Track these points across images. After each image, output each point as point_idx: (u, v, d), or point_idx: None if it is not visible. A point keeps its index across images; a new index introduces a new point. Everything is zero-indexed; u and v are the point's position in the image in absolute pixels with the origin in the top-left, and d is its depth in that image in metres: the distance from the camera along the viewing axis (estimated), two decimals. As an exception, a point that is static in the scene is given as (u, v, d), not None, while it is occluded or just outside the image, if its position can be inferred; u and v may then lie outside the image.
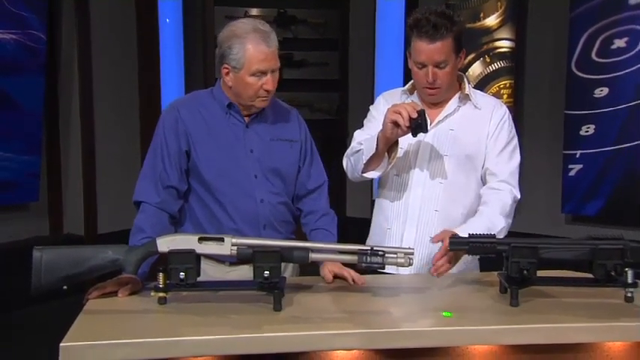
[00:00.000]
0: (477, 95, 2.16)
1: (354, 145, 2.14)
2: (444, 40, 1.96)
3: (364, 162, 2.04)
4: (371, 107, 2.24)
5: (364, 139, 2.10)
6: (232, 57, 1.91)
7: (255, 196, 2.00)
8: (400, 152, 2.07)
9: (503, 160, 2.08)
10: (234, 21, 1.99)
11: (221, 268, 2.02)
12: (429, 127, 2.03)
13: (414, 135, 1.95)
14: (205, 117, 2.01)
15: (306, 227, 2.10)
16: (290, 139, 2.06)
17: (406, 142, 2.08)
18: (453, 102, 2.11)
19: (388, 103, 2.13)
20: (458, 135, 2.09)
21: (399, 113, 1.90)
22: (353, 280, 1.89)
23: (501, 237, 1.92)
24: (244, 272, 1.93)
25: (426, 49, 1.98)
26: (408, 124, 1.90)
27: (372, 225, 2.24)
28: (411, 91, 2.17)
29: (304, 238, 2.08)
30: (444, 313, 1.64)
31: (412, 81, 2.13)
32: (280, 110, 2.09)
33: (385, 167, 2.05)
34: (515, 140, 2.13)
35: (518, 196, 2.08)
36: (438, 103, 2.12)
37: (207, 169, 1.98)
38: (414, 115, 1.90)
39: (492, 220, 1.97)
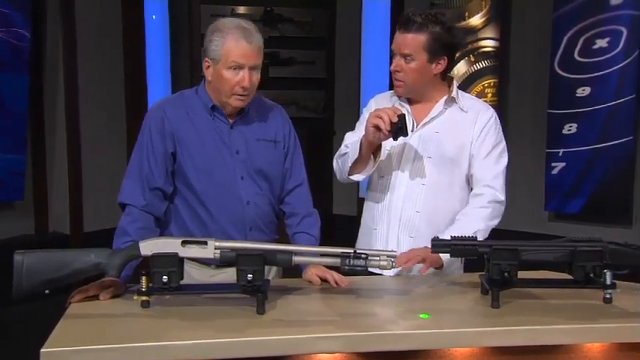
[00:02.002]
0: (465, 98, 2.17)
1: (342, 147, 2.16)
2: (416, 33, 2.01)
3: (349, 165, 2.07)
4: (364, 109, 2.25)
5: (351, 142, 2.12)
6: (212, 49, 1.92)
7: (242, 198, 2.00)
8: (385, 154, 2.09)
9: (489, 164, 2.09)
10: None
11: (206, 271, 2.02)
12: (415, 129, 2.07)
13: (395, 139, 1.98)
14: (192, 118, 2.00)
15: (289, 230, 2.11)
16: (274, 139, 2.06)
17: (391, 144, 2.10)
18: (440, 104, 2.13)
19: (379, 105, 2.15)
20: (442, 137, 2.10)
21: (381, 117, 1.93)
22: (336, 283, 1.90)
23: (481, 239, 1.94)
24: (230, 275, 1.92)
25: (398, 38, 2.05)
26: (389, 128, 1.92)
27: (361, 225, 2.27)
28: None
29: (287, 236, 2.09)
30: (421, 315, 1.66)
31: None
32: (264, 109, 2.08)
33: (370, 170, 2.08)
34: (503, 144, 2.14)
35: (502, 199, 2.10)
36: (426, 106, 2.13)
37: (193, 170, 1.98)
38: (395, 120, 1.92)
39: (467, 227, 1.96)
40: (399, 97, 2.17)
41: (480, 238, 1.92)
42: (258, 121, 2.05)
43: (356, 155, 2.04)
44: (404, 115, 1.95)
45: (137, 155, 2.00)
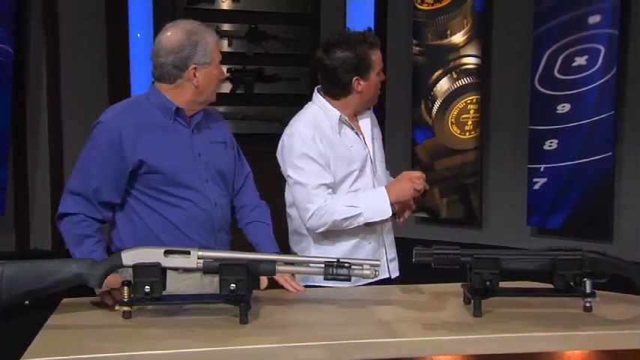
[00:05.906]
0: None
1: (341, 210, 2.08)
2: None
3: (368, 221, 2.13)
4: (304, 149, 2.12)
5: (366, 205, 2.11)
6: (200, 53, 1.94)
7: (211, 200, 2.01)
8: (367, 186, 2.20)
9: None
10: (170, 27, 2.00)
11: (174, 276, 1.98)
12: (367, 143, 2.24)
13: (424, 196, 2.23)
14: (150, 124, 1.96)
15: (241, 222, 2.14)
16: (223, 140, 2.11)
17: (360, 161, 2.19)
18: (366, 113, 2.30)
19: (322, 131, 2.18)
20: (377, 142, 2.31)
21: (420, 181, 2.13)
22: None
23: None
24: (197, 280, 1.93)
25: (379, 55, 2.20)
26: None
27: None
28: (341, 117, 2.21)
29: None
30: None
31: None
32: (208, 114, 2.10)
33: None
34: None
35: None
36: (355, 117, 2.26)
37: (162, 176, 1.94)
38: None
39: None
40: (341, 114, 2.21)
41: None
42: (209, 125, 2.09)
43: (388, 215, 2.13)
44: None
45: (84, 168, 1.93)
